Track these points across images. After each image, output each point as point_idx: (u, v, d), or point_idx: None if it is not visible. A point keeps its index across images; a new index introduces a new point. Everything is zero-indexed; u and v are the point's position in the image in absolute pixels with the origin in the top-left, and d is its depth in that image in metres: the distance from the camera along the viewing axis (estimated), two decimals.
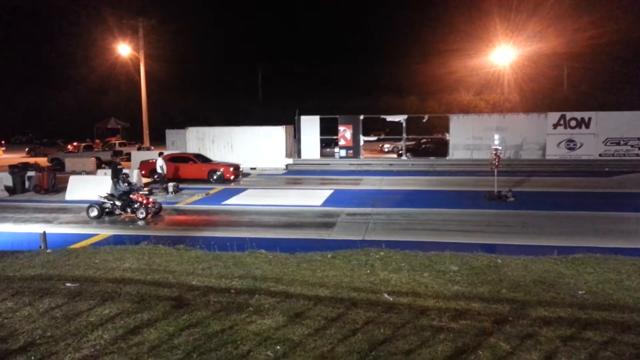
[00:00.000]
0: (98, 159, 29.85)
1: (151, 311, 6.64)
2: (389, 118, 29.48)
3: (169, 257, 9.38)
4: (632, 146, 25.37)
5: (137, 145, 37.83)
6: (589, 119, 25.79)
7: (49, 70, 58.14)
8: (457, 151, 27.21)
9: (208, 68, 59.94)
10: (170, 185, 19.41)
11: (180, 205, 16.94)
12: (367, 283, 7.72)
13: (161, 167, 20.16)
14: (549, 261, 8.77)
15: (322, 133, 28.78)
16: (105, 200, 14.99)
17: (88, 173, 24.52)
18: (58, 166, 28.27)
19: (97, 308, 6.82)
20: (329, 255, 9.28)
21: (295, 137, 29.27)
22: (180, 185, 20.41)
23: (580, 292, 7.23)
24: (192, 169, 22.58)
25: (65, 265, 8.96)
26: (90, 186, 18.61)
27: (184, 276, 8.10)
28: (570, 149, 25.96)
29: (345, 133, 28.47)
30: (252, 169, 27.06)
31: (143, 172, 22.71)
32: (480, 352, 5.47)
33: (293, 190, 20.65)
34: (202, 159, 23.44)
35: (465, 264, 8.64)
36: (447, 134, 27.75)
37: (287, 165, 27.85)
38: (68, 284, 7.82)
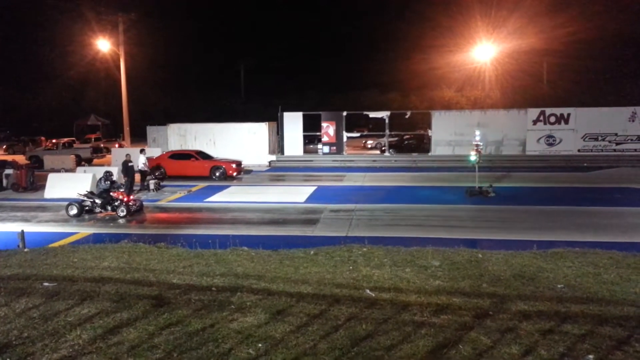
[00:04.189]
0: (77, 156, 29.33)
1: (131, 310, 6.55)
2: (372, 114, 29.57)
3: (149, 255, 9.27)
4: (609, 142, 25.87)
5: (117, 142, 37.30)
6: (568, 114, 26.21)
7: (27, 65, 56.91)
8: (439, 147, 27.42)
9: (190, 64, 59.32)
10: (152, 182, 19.19)
11: (162, 203, 16.76)
12: (349, 279, 7.73)
13: (144, 164, 19.90)
14: (528, 255, 8.89)
15: (305, 129, 28.75)
16: (85, 198, 14.75)
17: (67, 171, 24.08)
18: (36, 164, 27.73)
19: (76, 308, 6.70)
20: (312, 252, 9.27)
21: (278, 134, 29.16)
22: (162, 183, 20.19)
23: (559, 286, 7.34)
24: (194, 166, 22.28)
25: (43, 265, 8.79)
26: (69, 184, 18.28)
27: (164, 274, 8.01)
28: (550, 144, 26.36)
29: (328, 129, 28.46)
30: None
31: None
32: (461, 347, 5.51)
33: (276, 187, 20.57)
34: (203, 155, 23.13)
35: (446, 259, 8.71)
36: (429, 130, 27.94)
37: (270, 162, 27.75)
38: (46, 284, 7.67)
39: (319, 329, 5.93)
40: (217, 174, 21.91)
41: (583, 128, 26.09)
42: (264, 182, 22.02)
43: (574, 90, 35.72)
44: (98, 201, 14.61)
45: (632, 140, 25.74)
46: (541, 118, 26.43)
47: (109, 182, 14.76)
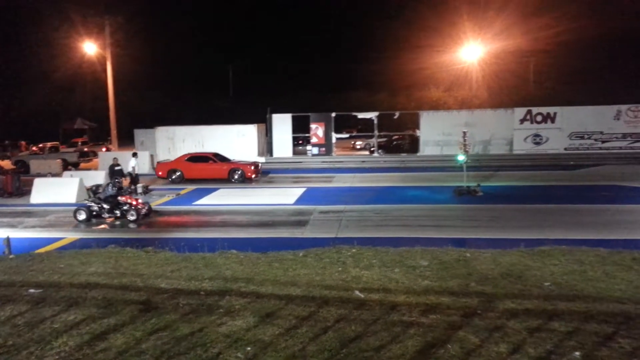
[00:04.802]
0: (64, 160, 29.03)
1: (118, 316, 6.49)
2: (361, 115, 29.64)
3: (136, 260, 9.19)
4: (595, 140, 26.19)
5: (104, 146, 36.95)
6: (555, 114, 26.49)
7: (11, 68, 56.15)
8: (428, 147, 27.56)
9: (178, 66, 59.00)
10: (139, 186, 19.03)
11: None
12: (338, 281, 7.74)
13: (133, 168, 19.73)
14: (516, 254, 8.96)
15: (294, 131, 28.74)
16: (92, 204, 14.55)
17: (54, 175, 23.83)
18: (22, 168, 27.38)
19: (62, 314, 6.63)
20: (301, 254, 9.26)
21: (267, 136, 29.10)
22: (151, 187, 20.06)
23: (546, 284, 7.41)
24: (212, 169, 22.05)
25: (28, 271, 8.68)
26: (56, 189, 18.14)
27: (152, 279, 7.95)
28: (537, 143, 26.61)
29: (317, 131, 28.47)
30: None
31: (160, 173, 22.38)
32: (450, 346, 5.54)
33: (265, 189, 20.53)
34: (220, 157, 22.90)
35: (435, 259, 8.75)
36: (417, 131, 28.06)
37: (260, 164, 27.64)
38: (31, 290, 7.58)
39: (308, 331, 5.93)
40: (236, 177, 21.70)
41: (569, 127, 26.37)
42: (254, 184, 21.95)
43: (559, 89, 36.11)
44: (106, 206, 14.41)
45: (617, 138, 26.07)
46: (528, 117, 26.67)
47: (116, 189, 14.63)
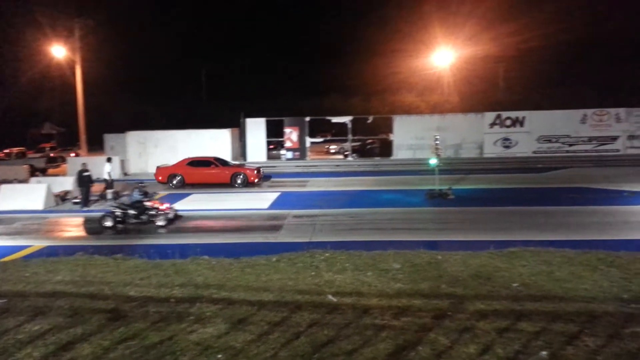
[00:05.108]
0: (31, 166, 28.22)
1: (85, 325, 6.33)
2: (335, 119, 29.77)
3: (105, 267, 8.99)
4: (562, 143, 26.93)
5: (72, 151, 36.09)
6: (523, 118, 27.14)
7: None
8: (401, 151, 27.86)
9: (150, 70, 58.11)
10: (109, 192, 18.65)
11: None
12: (311, 285, 7.73)
13: (108, 174, 19.29)
14: (485, 255, 9.11)
15: (268, 135, 28.64)
16: (117, 209, 14.18)
17: (20, 181, 23.13)
18: None
19: (27, 324, 6.43)
20: (274, 259, 9.22)
21: (241, 140, 28.93)
22: (122, 193, 19.66)
23: (514, 285, 7.56)
24: (214, 173, 21.71)
25: None
26: (22, 195, 17.63)
27: (120, 287, 7.79)
28: (506, 147, 27.22)
29: (291, 135, 28.46)
30: None
31: (160, 177, 21.93)
32: (421, 348, 5.59)
33: (239, 194, 20.37)
34: (221, 162, 22.61)
35: (407, 262, 8.83)
36: (390, 135, 28.33)
37: None
38: None
39: (280, 336, 5.90)
40: (239, 181, 21.44)
41: (537, 131, 27.06)
42: (227, 189, 21.76)
43: (528, 94, 37.00)
44: (133, 211, 14.09)
45: (583, 141, 26.87)
46: (497, 121, 27.27)
47: (142, 194, 14.40)
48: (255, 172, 21.78)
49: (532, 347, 5.62)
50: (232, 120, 30.17)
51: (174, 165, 22.41)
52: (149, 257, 9.76)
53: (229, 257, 9.53)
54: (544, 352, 5.48)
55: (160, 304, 7.01)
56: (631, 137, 26.66)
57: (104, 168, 19.37)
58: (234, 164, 23.01)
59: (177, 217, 14.70)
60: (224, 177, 21.57)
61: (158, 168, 22.65)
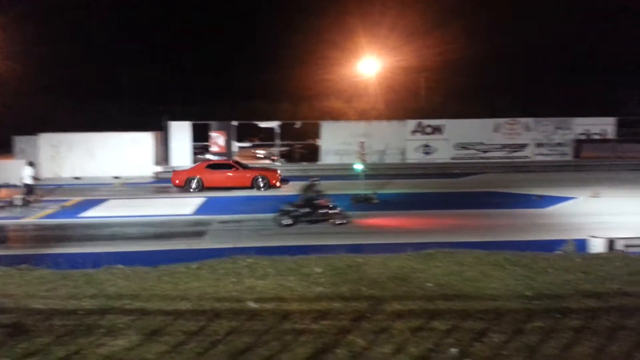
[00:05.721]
0: None
1: None
2: (263, 124, 29.65)
3: (7, 279, 8.30)
4: (477, 150, 28.58)
5: None
6: (442, 126, 28.52)
7: None
8: (328, 156, 28.24)
9: (66, 70, 54.64)
10: (17, 197, 17.29)
11: (29, 220, 15.19)
12: (232, 292, 7.59)
13: (31, 177, 17.85)
14: (403, 257, 9.42)
15: (194, 139, 27.92)
16: (294, 208, 14.14)
17: None
18: None
19: None
20: (194, 266, 8.97)
21: (165, 144, 27.96)
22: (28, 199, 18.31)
23: (428, 285, 7.87)
24: (234, 177, 21.05)
25: None
26: None
27: (24, 299, 7.21)
28: (427, 153, 28.45)
29: (218, 139, 27.95)
30: (115, 177, 25.18)
31: (177, 181, 20.92)
32: (338, 351, 5.65)
33: (162, 200, 19.70)
34: (241, 165, 21.95)
35: (329, 266, 8.92)
36: (318, 140, 28.65)
37: (156, 173, 26.45)
38: None
39: (197, 345, 5.73)
40: (262, 184, 20.85)
41: (455, 138, 28.52)
42: (148, 195, 20.95)
43: (447, 103, 38.96)
44: (306, 210, 14.02)
45: (496, 148, 28.68)
46: (419, 129, 28.46)
47: (314, 193, 14.35)
48: (277, 175, 21.51)
49: (444, 345, 5.85)
50: (156, 124, 29.08)
51: (191, 169, 22.02)
52: (57, 267, 9.14)
53: (146, 266, 9.15)
54: (454, 349, 5.73)
55: (67, 316, 6.56)
56: (539, 144, 28.80)
57: (24, 172, 17.92)
58: (254, 166, 22.94)
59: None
60: (245, 180, 21.12)
61: (174, 171, 21.99)
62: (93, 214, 16.24)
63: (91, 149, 25.96)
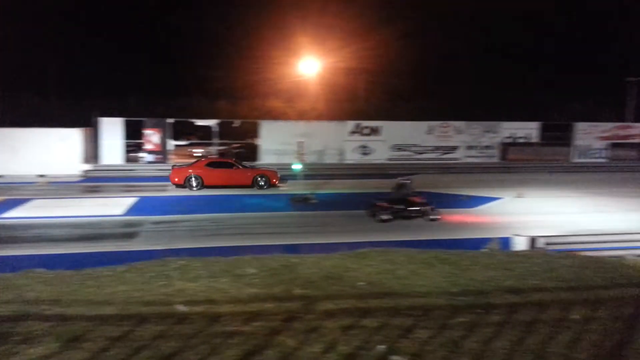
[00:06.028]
0: None
1: None
2: (199, 122, 29.05)
3: None
4: (412, 152, 29.52)
5: None
6: (380, 127, 29.19)
7: None
8: (268, 156, 28.09)
9: None
10: None
11: None
12: (160, 295, 7.37)
13: None
14: (337, 257, 9.56)
15: (127, 137, 26.85)
16: (392, 204, 14.62)
17: None
18: None
19: None
20: (121, 269, 8.62)
21: (95, 141, 26.68)
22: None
23: (360, 283, 8.03)
24: (235, 175, 20.71)
25: None
26: None
27: None
28: (365, 154, 29.03)
29: (152, 137, 27.05)
30: (40, 176, 23.74)
31: (176, 179, 20.10)
32: (269, 352, 5.64)
33: (91, 199, 18.82)
34: (240, 163, 21.56)
35: (263, 266, 8.88)
36: (257, 140, 28.43)
37: (85, 172, 25.22)
38: None
39: (120, 352, 5.51)
40: (262, 183, 20.60)
41: (391, 139, 29.29)
42: (76, 194, 19.93)
43: (384, 105, 39.90)
44: (401, 206, 14.53)
45: (429, 150, 29.74)
46: (357, 130, 29.00)
47: (407, 190, 15.00)
48: (277, 174, 21.44)
49: (372, 342, 5.99)
50: (86, 119, 27.70)
51: (191, 166, 21.23)
52: None
53: (71, 269, 8.70)
54: (382, 346, 5.88)
55: None
56: (469, 147, 30.17)
57: None
58: (253, 165, 22.88)
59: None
60: (245, 179, 20.88)
61: (174, 169, 21.12)
62: (15, 214, 15.23)
63: (13, 146, 24.31)
